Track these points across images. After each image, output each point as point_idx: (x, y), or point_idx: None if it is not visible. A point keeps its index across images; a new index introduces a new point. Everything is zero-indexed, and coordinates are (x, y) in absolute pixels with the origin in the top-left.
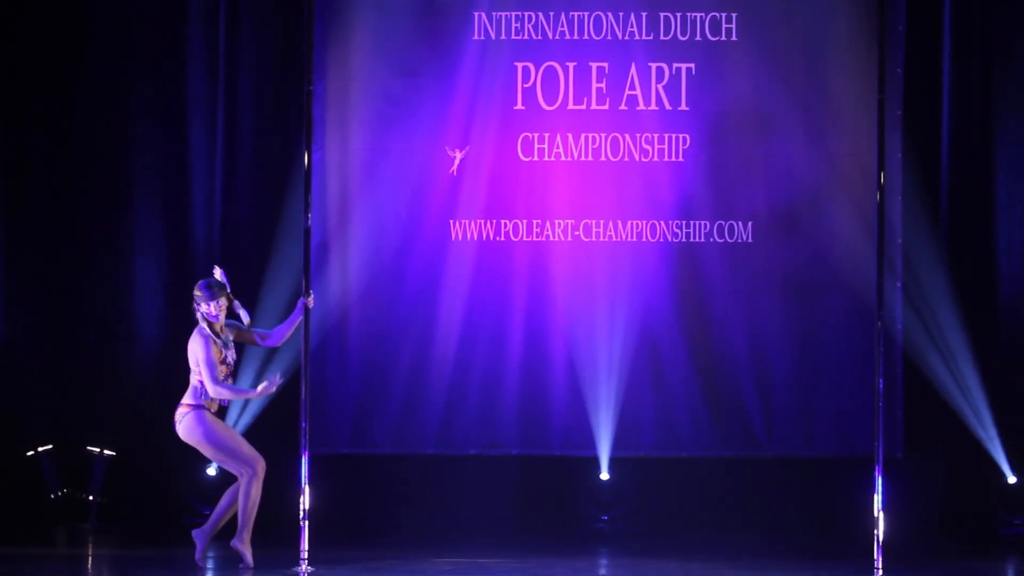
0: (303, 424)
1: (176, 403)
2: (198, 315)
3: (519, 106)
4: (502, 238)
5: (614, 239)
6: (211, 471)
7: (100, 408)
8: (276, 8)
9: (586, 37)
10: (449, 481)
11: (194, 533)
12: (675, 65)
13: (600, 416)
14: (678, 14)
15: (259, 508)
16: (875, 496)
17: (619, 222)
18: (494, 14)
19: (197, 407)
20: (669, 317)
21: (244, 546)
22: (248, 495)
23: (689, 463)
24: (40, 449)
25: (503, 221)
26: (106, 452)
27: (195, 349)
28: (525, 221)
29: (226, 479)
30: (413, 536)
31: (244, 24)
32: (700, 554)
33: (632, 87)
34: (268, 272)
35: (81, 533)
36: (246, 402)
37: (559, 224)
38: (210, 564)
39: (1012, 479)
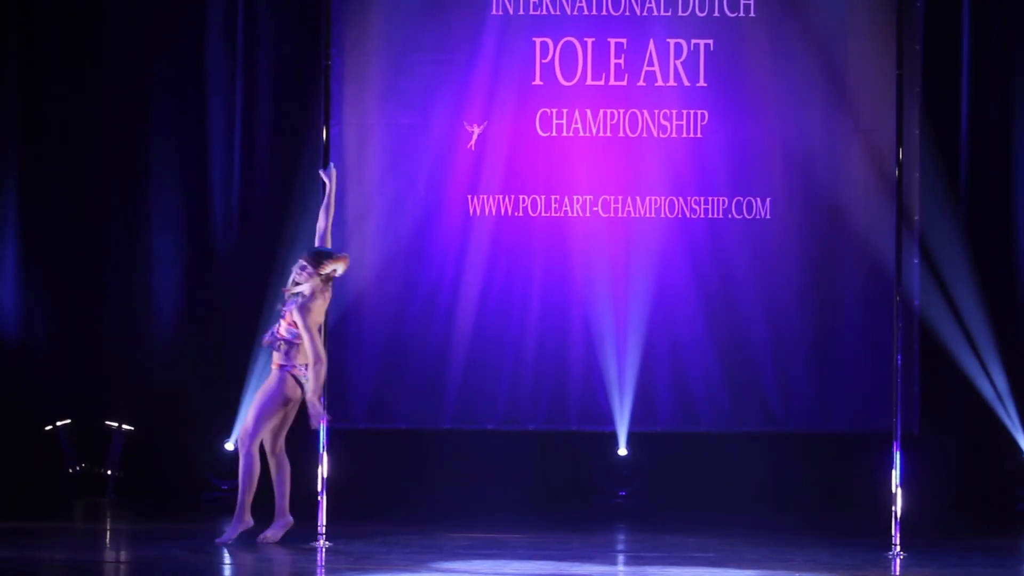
0: (321, 399)
1: (192, 380)
2: (318, 279)
3: (537, 81)
4: (520, 214)
5: (632, 215)
6: (228, 446)
7: (118, 383)
8: None
9: (604, 13)
10: (466, 456)
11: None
12: (693, 41)
13: (618, 392)
14: None
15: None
16: (893, 472)
17: (637, 198)
18: None
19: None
20: (687, 293)
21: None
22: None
23: (706, 439)
24: (58, 424)
25: (521, 196)
26: (124, 427)
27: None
28: (543, 196)
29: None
30: (430, 511)
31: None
32: (717, 530)
33: (650, 63)
34: (286, 247)
35: (98, 507)
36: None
37: (577, 200)
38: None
39: None
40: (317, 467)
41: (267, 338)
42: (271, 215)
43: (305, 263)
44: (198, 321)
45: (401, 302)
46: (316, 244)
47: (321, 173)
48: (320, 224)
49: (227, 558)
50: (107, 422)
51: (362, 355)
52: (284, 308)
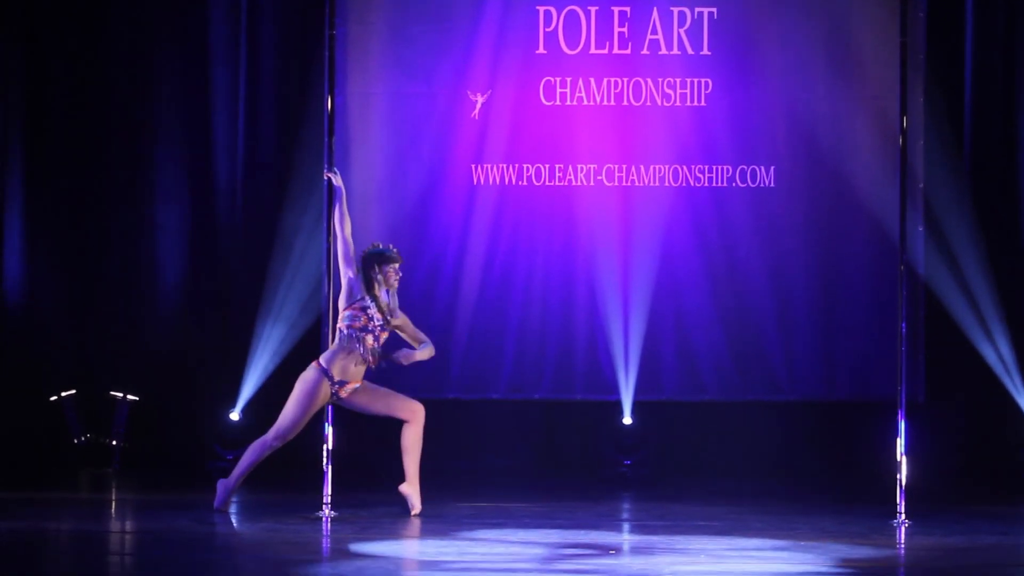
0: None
1: (197, 350)
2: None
3: (541, 50)
4: (524, 183)
5: (637, 184)
6: (234, 416)
7: (123, 353)
8: None
9: None
10: (472, 425)
11: (219, 482)
12: (697, 9)
13: (623, 361)
14: None
15: (275, 454)
16: (898, 440)
17: (641, 167)
18: None
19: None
20: (692, 262)
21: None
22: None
23: (711, 407)
24: (63, 394)
25: (526, 166)
26: (129, 397)
27: None
28: (548, 165)
29: (249, 428)
30: (436, 480)
31: None
32: (723, 498)
33: (654, 31)
34: (289, 217)
35: (104, 478)
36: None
37: (582, 169)
38: (232, 508)
39: None
40: (322, 438)
41: (377, 355)
42: (274, 186)
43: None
44: (202, 291)
45: (405, 272)
46: (342, 248)
47: (329, 175)
48: (348, 229)
49: (233, 528)
50: (112, 392)
51: None
52: (382, 317)
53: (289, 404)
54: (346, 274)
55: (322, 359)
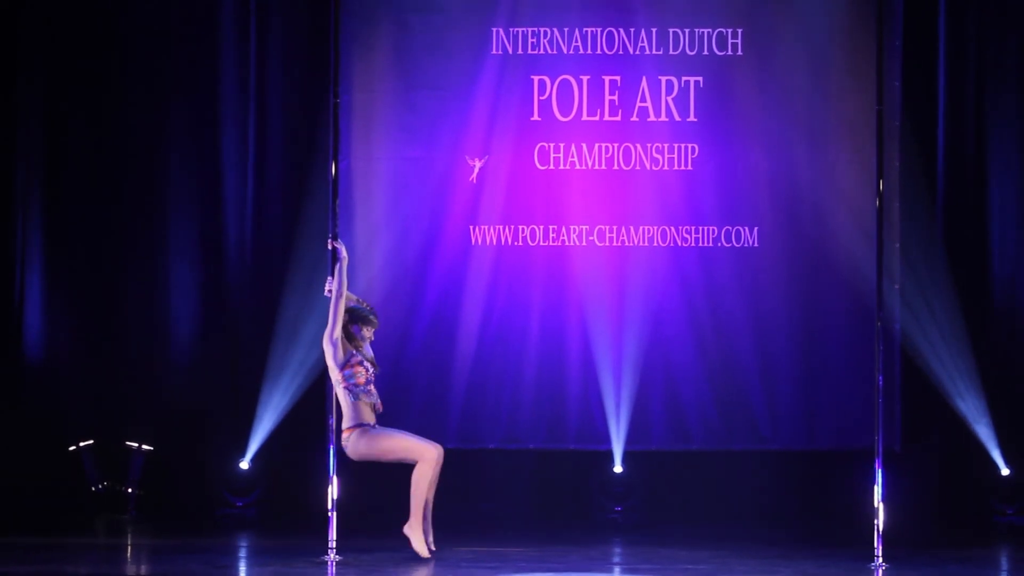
0: (330, 420)
1: (208, 401)
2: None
3: (535, 117)
4: (520, 243)
5: (626, 244)
6: (243, 465)
7: (138, 405)
8: (304, 25)
9: (599, 52)
10: (470, 474)
11: (404, 530)
12: (684, 78)
13: (614, 412)
14: (686, 30)
15: (283, 503)
16: (875, 487)
17: (631, 228)
18: (512, 30)
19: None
20: (679, 318)
21: (412, 531)
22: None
23: (697, 456)
24: (81, 444)
25: (521, 227)
26: (144, 447)
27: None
28: (542, 227)
29: (258, 476)
30: (435, 526)
31: (273, 40)
32: (708, 543)
33: (643, 99)
34: (296, 276)
35: (120, 524)
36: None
37: (574, 230)
38: (241, 552)
39: (1005, 471)
40: (327, 485)
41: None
42: (281, 244)
43: None
44: (213, 344)
45: (406, 328)
46: (338, 311)
47: (336, 245)
48: (343, 303)
49: (241, 572)
50: (127, 442)
51: None
52: (371, 364)
53: (397, 442)
54: (337, 335)
55: (351, 422)
